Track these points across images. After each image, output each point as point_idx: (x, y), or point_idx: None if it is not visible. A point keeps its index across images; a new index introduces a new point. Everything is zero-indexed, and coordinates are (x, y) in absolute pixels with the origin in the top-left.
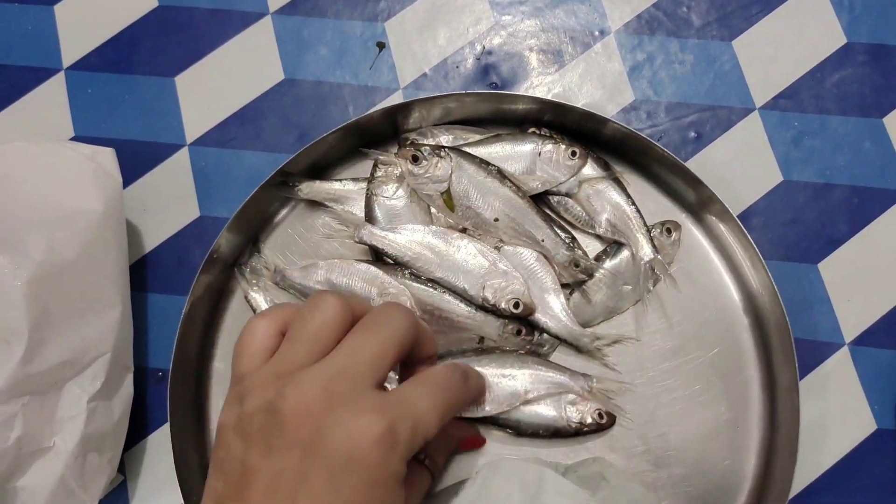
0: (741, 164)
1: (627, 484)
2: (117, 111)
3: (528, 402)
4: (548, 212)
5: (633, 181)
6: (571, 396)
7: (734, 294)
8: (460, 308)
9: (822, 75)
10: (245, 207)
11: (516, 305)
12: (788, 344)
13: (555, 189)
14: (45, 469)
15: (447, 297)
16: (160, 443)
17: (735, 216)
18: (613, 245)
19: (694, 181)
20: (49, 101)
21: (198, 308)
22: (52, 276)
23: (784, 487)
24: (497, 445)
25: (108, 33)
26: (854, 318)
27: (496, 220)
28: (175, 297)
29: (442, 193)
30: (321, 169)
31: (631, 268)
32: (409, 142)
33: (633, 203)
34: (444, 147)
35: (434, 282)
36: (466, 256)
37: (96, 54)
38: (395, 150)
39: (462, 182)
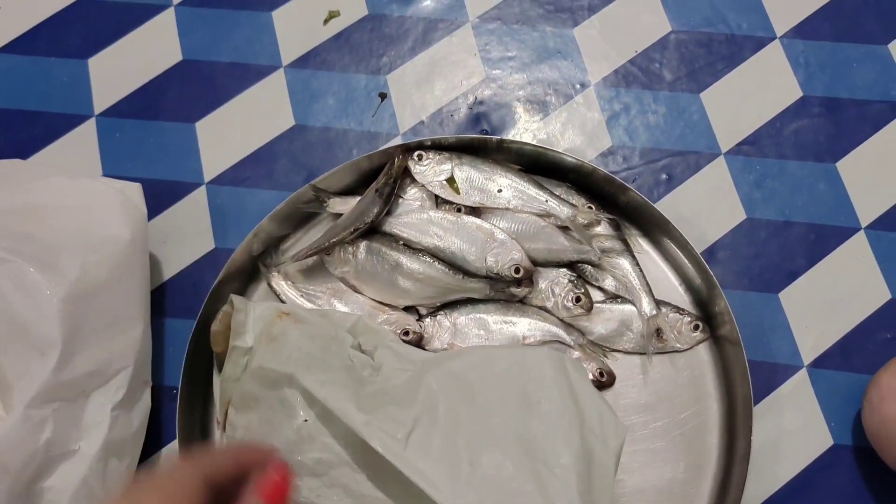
0: (709, 203)
1: None
2: (142, 153)
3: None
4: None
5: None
6: (576, 354)
7: (709, 367)
8: (448, 276)
9: (781, 124)
10: (277, 211)
11: (517, 270)
12: (749, 413)
13: (579, 259)
14: (70, 471)
15: (437, 265)
16: (173, 456)
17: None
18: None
19: (665, 226)
20: (81, 143)
21: (209, 315)
22: (83, 294)
23: None
24: None
25: (136, 84)
26: (811, 342)
27: (500, 191)
28: (190, 322)
29: (447, 181)
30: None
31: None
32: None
33: (638, 265)
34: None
35: (427, 252)
36: (468, 231)
37: (125, 102)
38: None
39: (463, 168)
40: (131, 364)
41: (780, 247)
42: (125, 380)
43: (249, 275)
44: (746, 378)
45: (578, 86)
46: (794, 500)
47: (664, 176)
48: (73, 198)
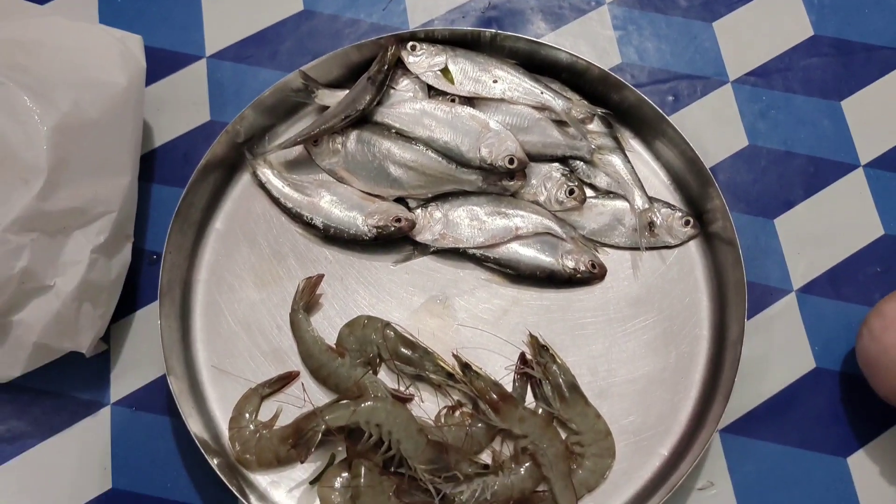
0: (712, 127)
1: None
2: (144, 20)
3: (518, 237)
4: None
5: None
6: (569, 247)
7: (699, 262)
8: (441, 164)
9: (790, 60)
10: (261, 99)
11: (511, 161)
12: (742, 297)
13: (571, 154)
14: (43, 306)
15: (430, 153)
16: (145, 320)
17: (709, 171)
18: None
19: (674, 139)
20: (79, 4)
21: (197, 189)
22: (74, 128)
23: (711, 429)
24: (497, 287)
25: None
26: (802, 269)
27: (495, 81)
28: (177, 190)
29: (441, 72)
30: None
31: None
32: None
33: (629, 162)
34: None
35: (420, 140)
36: (462, 121)
37: None
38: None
39: (458, 61)
40: (116, 210)
41: (780, 175)
42: (108, 224)
43: (233, 165)
44: (740, 264)
45: (593, 2)
46: (773, 416)
47: (670, 97)
48: (70, 39)
